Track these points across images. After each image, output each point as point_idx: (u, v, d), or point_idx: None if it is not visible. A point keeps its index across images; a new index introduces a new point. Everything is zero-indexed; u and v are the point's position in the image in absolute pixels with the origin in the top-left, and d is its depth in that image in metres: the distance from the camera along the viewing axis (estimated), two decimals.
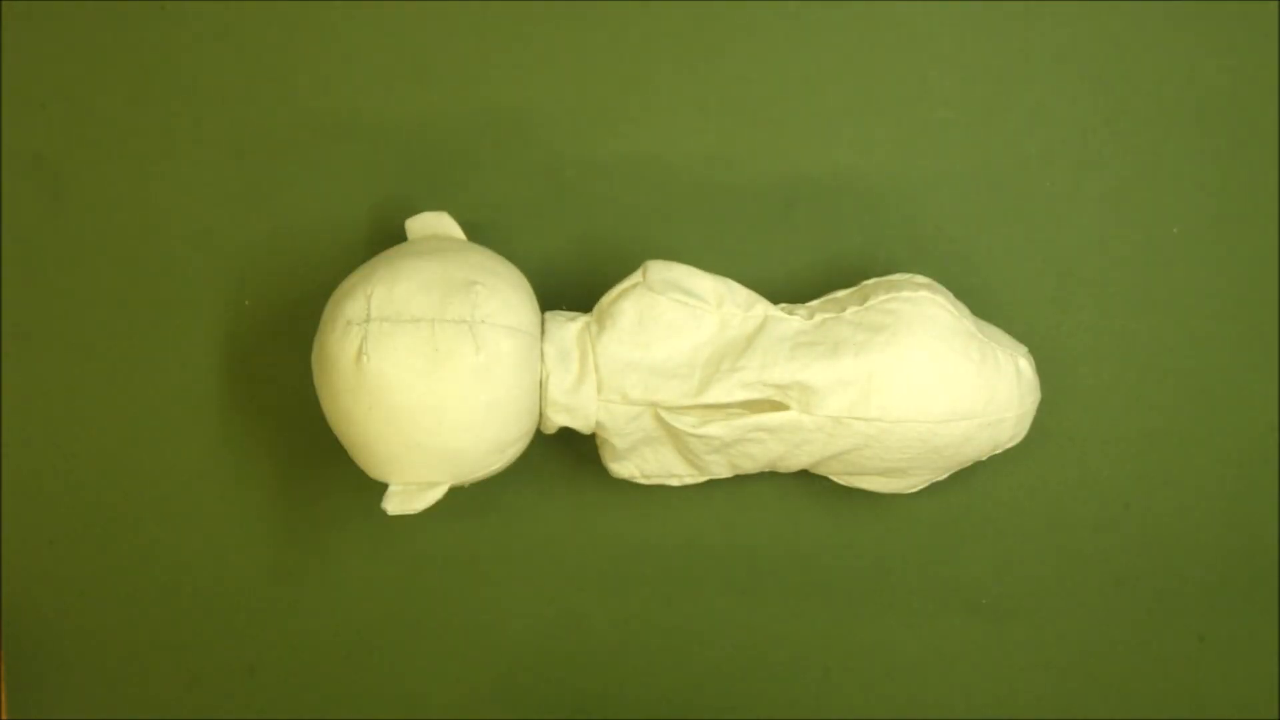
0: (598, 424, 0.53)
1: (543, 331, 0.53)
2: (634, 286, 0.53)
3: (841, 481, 0.56)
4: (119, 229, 0.60)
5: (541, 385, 0.52)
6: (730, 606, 0.60)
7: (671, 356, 0.52)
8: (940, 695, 0.60)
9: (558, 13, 0.58)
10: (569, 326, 0.53)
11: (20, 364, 0.60)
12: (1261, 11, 0.57)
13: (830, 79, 0.58)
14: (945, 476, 0.55)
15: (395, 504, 0.51)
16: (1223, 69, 0.58)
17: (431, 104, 0.59)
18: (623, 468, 0.55)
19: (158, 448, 0.60)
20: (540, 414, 0.53)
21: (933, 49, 0.58)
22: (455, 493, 0.52)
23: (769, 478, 0.58)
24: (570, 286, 0.58)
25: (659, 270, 0.53)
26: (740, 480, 0.57)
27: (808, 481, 0.58)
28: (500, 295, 0.51)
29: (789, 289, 0.58)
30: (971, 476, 0.58)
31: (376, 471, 0.52)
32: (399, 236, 0.56)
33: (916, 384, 0.51)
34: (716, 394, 0.52)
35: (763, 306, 0.53)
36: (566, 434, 0.56)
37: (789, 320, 0.53)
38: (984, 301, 0.57)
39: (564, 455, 0.59)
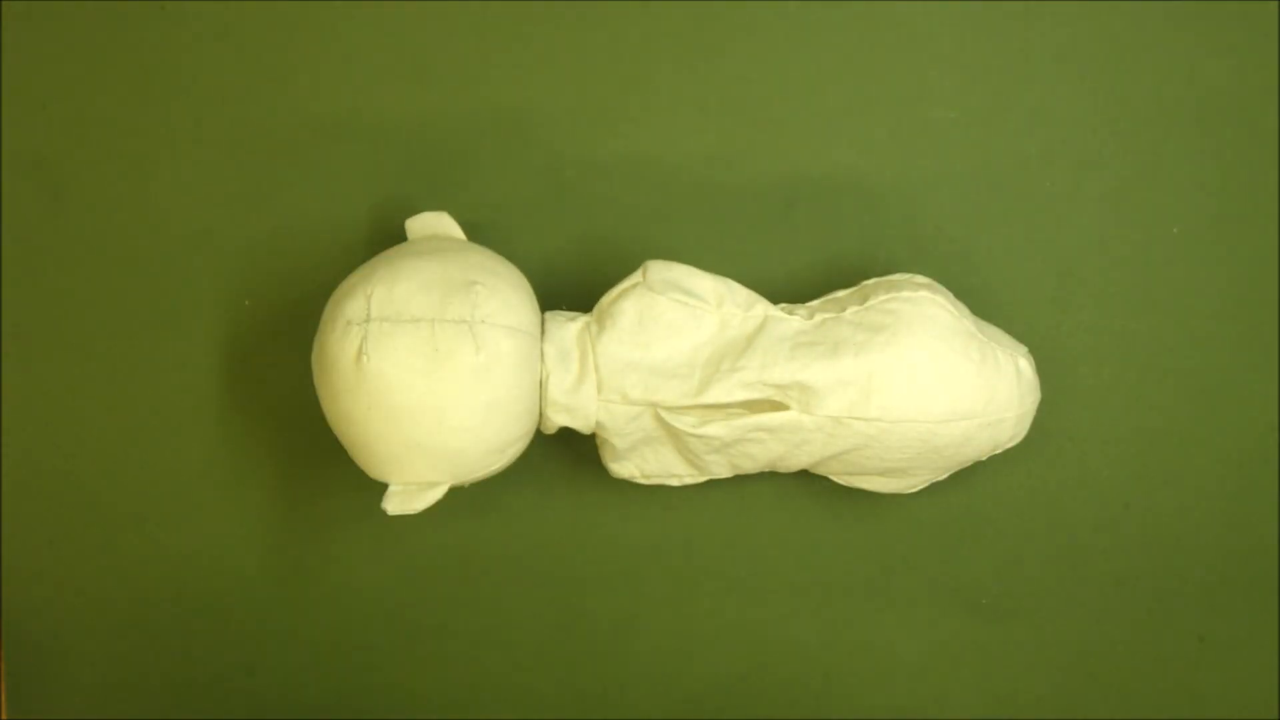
0: (598, 424, 0.53)
1: (543, 331, 0.53)
2: (634, 286, 0.53)
3: (841, 481, 0.56)
4: (119, 229, 0.60)
5: (541, 385, 0.52)
6: (730, 606, 0.60)
7: (671, 356, 0.52)
8: (940, 695, 0.60)
9: (558, 13, 0.58)
10: (569, 326, 0.53)
11: (20, 364, 0.60)
12: (1261, 11, 0.57)
13: (830, 79, 0.58)
14: (945, 476, 0.55)
15: (395, 504, 0.51)
16: (1223, 69, 0.58)
17: (431, 104, 0.59)
18: (623, 468, 0.55)
19: (158, 448, 0.60)
20: (540, 414, 0.53)
21: (933, 49, 0.58)
22: (455, 493, 0.52)
23: (769, 478, 0.58)
24: (570, 286, 0.58)
25: (659, 270, 0.53)
26: (740, 480, 0.57)
27: (808, 481, 0.58)
28: (500, 295, 0.51)
29: (789, 289, 0.58)
30: (971, 476, 0.58)
31: (376, 471, 0.52)
32: (399, 236, 0.56)
33: (916, 384, 0.51)
34: (716, 394, 0.52)
35: (763, 306, 0.53)
36: (566, 434, 0.56)
37: (789, 320, 0.53)
38: (984, 301, 0.57)
39: (564, 455, 0.59)
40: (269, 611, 0.61)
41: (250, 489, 0.60)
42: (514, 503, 0.60)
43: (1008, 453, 0.55)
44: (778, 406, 0.52)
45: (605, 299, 0.53)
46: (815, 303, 0.55)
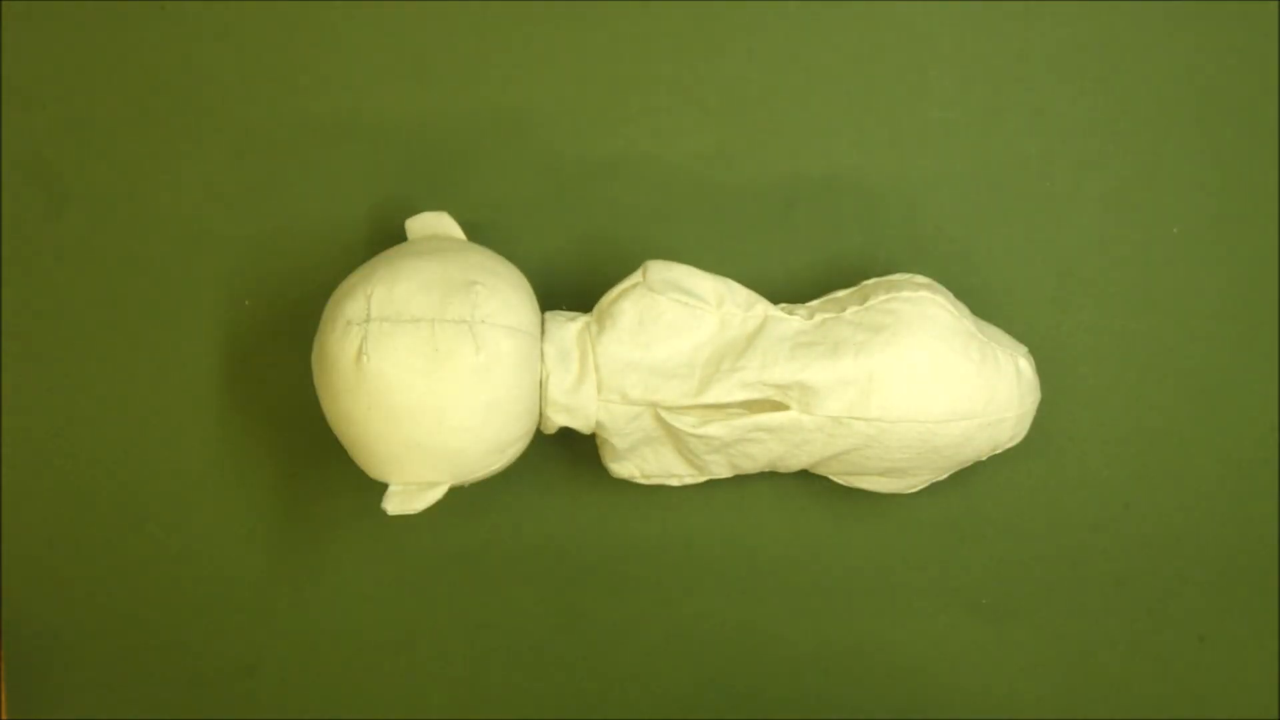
0: (598, 424, 0.53)
1: (543, 331, 0.53)
2: (634, 286, 0.53)
3: (841, 481, 0.56)
4: (119, 229, 0.60)
5: (541, 385, 0.52)
6: (730, 606, 0.60)
7: (671, 356, 0.52)
8: (940, 695, 0.60)
9: (558, 13, 0.58)
10: (569, 326, 0.53)
11: (20, 364, 0.60)
12: (1261, 11, 0.57)
13: (830, 79, 0.58)
14: (945, 476, 0.55)
15: (395, 504, 0.51)
16: (1223, 69, 0.58)
17: (431, 104, 0.59)
18: (623, 468, 0.55)
19: (158, 448, 0.60)
20: (540, 414, 0.53)
21: (933, 49, 0.58)
22: (455, 493, 0.52)
23: (769, 478, 0.58)
24: (570, 286, 0.58)
25: (659, 270, 0.53)
26: (740, 480, 0.57)
27: (808, 481, 0.58)
28: (500, 295, 0.51)
29: (789, 289, 0.58)
30: (971, 476, 0.58)
31: (376, 471, 0.52)
32: (399, 236, 0.56)
33: (916, 384, 0.51)
34: (716, 394, 0.52)
35: (763, 306, 0.53)
36: (566, 434, 0.56)
37: (789, 320, 0.53)
38: (984, 301, 0.57)
39: (564, 455, 0.59)
40: (269, 611, 0.61)
41: (250, 489, 0.60)
42: (514, 503, 0.60)
43: (1008, 453, 0.55)
44: (778, 406, 0.52)
45: (605, 299, 0.53)
46: (815, 303, 0.55)
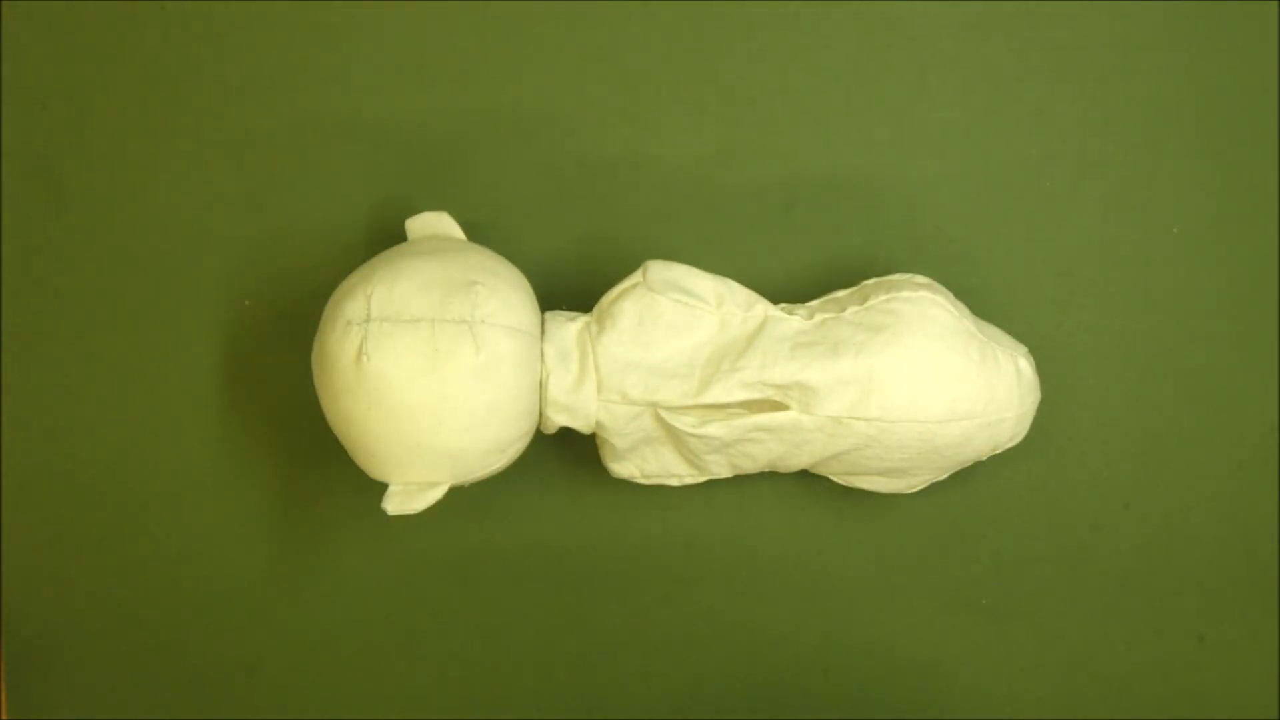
0: (598, 424, 0.53)
1: (543, 331, 0.53)
2: (634, 286, 0.53)
3: (841, 481, 0.56)
4: (119, 229, 0.60)
5: (541, 385, 0.52)
6: (730, 606, 0.60)
7: (672, 356, 0.52)
8: (940, 695, 0.60)
9: (558, 13, 0.58)
10: (569, 326, 0.53)
11: (20, 364, 0.60)
12: (1261, 11, 0.57)
13: (830, 79, 0.58)
14: (945, 476, 0.55)
15: (395, 504, 0.51)
16: (1223, 69, 0.58)
17: (431, 104, 0.59)
18: (623, 468, 0.55)
19: (158, 448, 0.60)
20: (540, 414, 0.53)
21: (933, 49, 0.58)
22: (455, 493, 0.52)
23: (769, 478, 0.58)
24: (570, 286, 0.58)
25: (659, 270, 0.53)
26: (740, 480, 0.57)
27: (808, 481, 0.58)
28: (500, 295, 0.51)
29: (789, 289, 0.58)
30: (971, 476, 0.58)
31: (376, 471, 0.52)
32: (399, 236, 0.56)
33: (916, 384, 0.51)
34: (716, 394, 0.52)
35: (763, 306, 0.53)
36: (566, 434, 0.56)
37: (789, 320, 0.53)
38: (984, 301, 0.57)
39: (564, 455, 0.59)
40: (269, 611, 0.61)
41: (250, 489, 0.60)
42: (514, 503, 0.60)
43: (1008, 452, 0.55)
44: (778, 406, 0.52)
45: (605, 299, 0.53)
46: (815, 303, 0.55)
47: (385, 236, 0.58)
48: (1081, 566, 0.59)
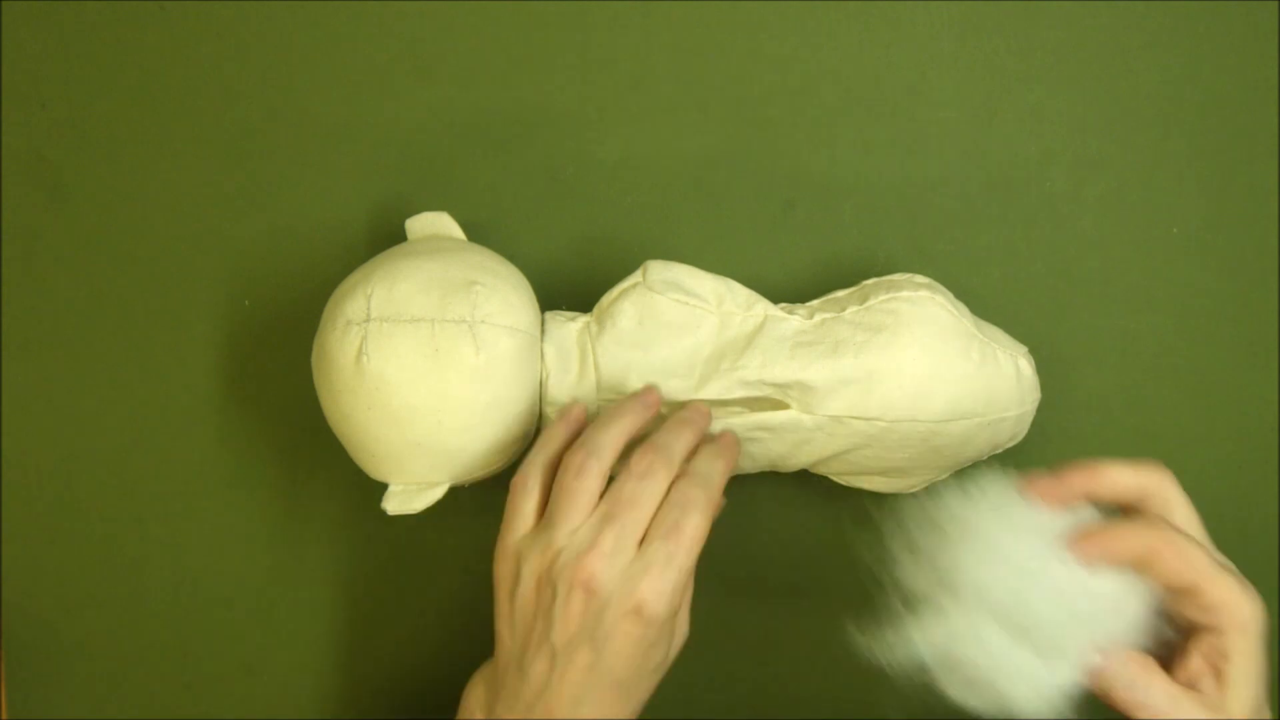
0: None
1: (543, 331, 0.53)
2: (634, 286, 0.53)
3: (841, 481, 0.56)
4: (119, 229, 0.60)
5: (541, 385, 0.52)
6: (730, 606, 0.60)
7: (671, 356, 0.52)
8: (940, 695, 0.60)
9: (557, 13, 0.58)
10: (569, 326, 0.53)
11: (20, 364, 0.60)
12: (1261, 11, 0.57)
13: (830, 79, 0.58)
14: (945, 476, 0.55)
15: (395, 504, 0.51)
16: (1223, 69, 0.58)
17: (431, 104, 0.59)
18: None
19: (158, 448, 0.60)
20: (540, 414, 0.53)
21: (933, 49, 0.58)
22: (455, 492, 0.52)
23: (769, 478, 0.58)
24: (570, 286, 0.58)
25: (659, 270, 0.53)
26: (740, 480, 0.57)
27: (808, 481, 0.58)
28: (500, 295, 0.51)
29: (789, 289, 0.58)
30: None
31: (376, 471, 0.52)
32: (399, 236, 0.56)
33: (917, 384, 0.51)
34: (716, 391, 0.52)
35: (763, 306, 0.53)
36: None
37: (789, 320, 0.53)
38: (984, 301, 0.57)
39: None
40: (269, 611, 0.61)
41: (250, 489, 0.60)
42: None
43: (1008, 452, 0.55)
44: (778, 405, 0.52)
45: (605, 299, 0.53)
46: (815, 302, 0.55)
47: (385, 236, 0.58)
48: None
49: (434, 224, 0.56)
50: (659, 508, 0.47)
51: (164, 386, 0.60)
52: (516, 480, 0.49)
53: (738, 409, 0.52)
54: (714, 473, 0.49)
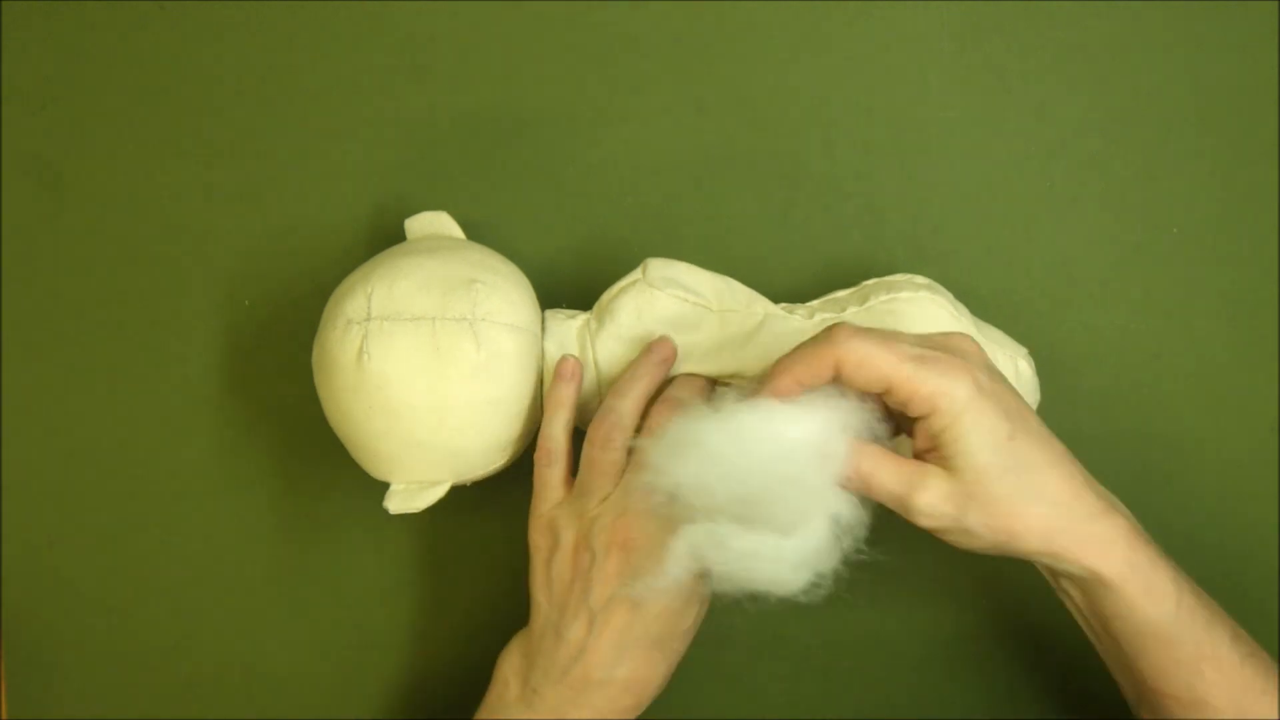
0: None
1: (543, 329, 0.53)
2: (634, 283, 0.53)
3: None
4: (119, 229, 0.60)
5: (542, 382, 0.52)
6: (729, 606, 0.60)
7: None
8: (940, 695, 0.60)
9: (557, 13, 0.58)
10: (569, 324, 0.53)
11: (20, 364, 0.60)
12: (1261, 11, 0.57)
13: (830, 79, 0.58)
14: None
15: (397, 503, 0.51)
16: (1223, 69, 0.58)
17: (430, 103, 0.59)
18: None
19: (158, 448, 0.60)
20: (542, 411, 0.53)
21: (933, 49, 0.58)
22: (456, 491, 0.52)
23: None
24: (570, 286, 0.58)
25: (659, 267, 0.53)
26: None
27: None
28: (501, 293, 0.51)
29: (789, 289, 0.58)
30: None
31: (378, 471, 0.52)
32: (399, 236, 0.56)
33: None
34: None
35: (762, 305, 0.53)
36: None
37: (789, 319, 0.53)
38: (984, 301, 0.57)
39: None
40: (269, 611, 0.61)
41: (250, 489, 0.60)
42: (515, 502, 0.60)
43: None
44: None
45: (605, 296, 0.53)
46: (815, 302, 0.55)
47: (385, 236, 0.58)
48: None
49: (433, 223, 0.56)
50: None
51: (163, 386, 0.60)
52: (540, 453, 0.51)
53: None
54: None
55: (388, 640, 0.61)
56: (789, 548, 0.45)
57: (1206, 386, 0.58)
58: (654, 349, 0.51)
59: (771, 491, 0.44)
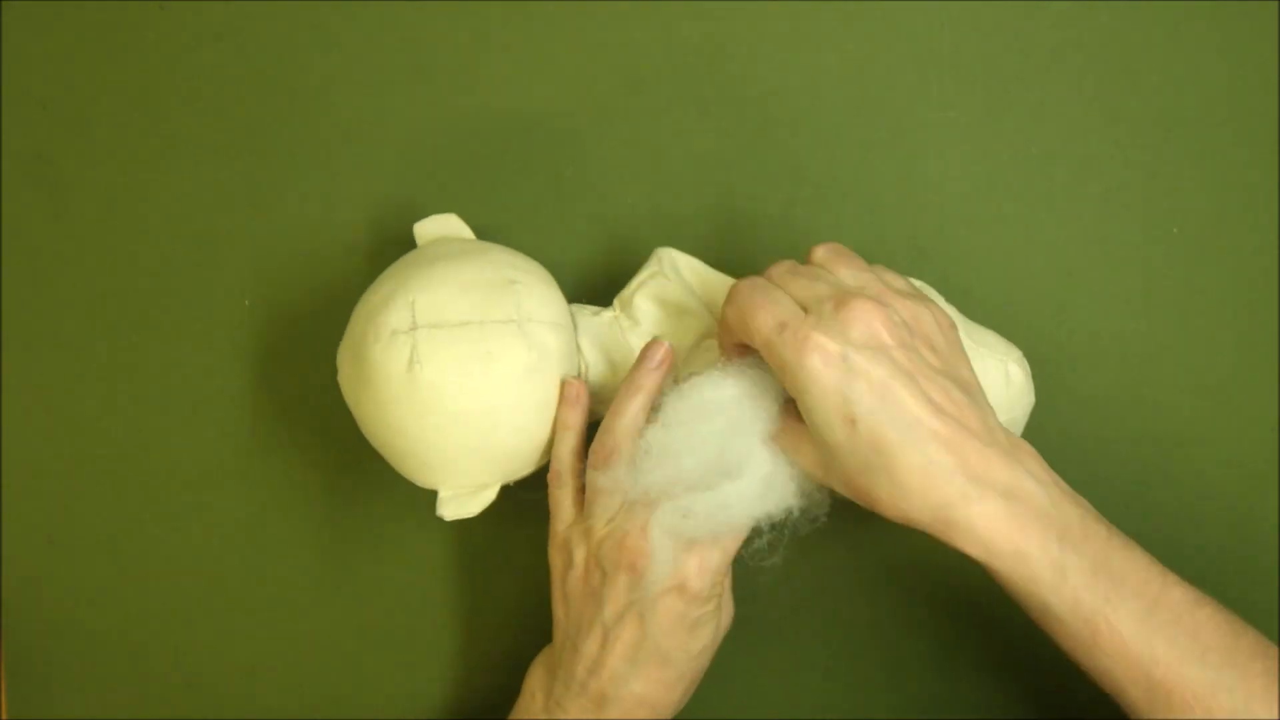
0: None
1: (575, 325, 0.53)
2: (652, 276, 0.54)
3: None
4: (119, 229, 0.60)
5: (582, 378, 0.52)
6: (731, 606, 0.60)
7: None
8: (940, 695, 0.60)
9: (558, 13, 0.58)
10: (595, 319, 0.54)
11: (20, 364, 0.60)
12: (1261, 11, 0.57)
13: (830, 79, 0.58)
14: None
15: (452, 509, 0.50)
16: (1223, 69, 0.58)
17: (433, 105, 0.59)
18: None
19: (158, 447, 0.60)
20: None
21: (933, 49, 0.58)
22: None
23: None
24: (571, 286, 0.58)
25: (671, 257, 0.54)
26: None
27: None
28: (538, 292, 0.51)
29: None
30: None
31: (426, 479, 0.51)
32: (400, 237, 0.56)
33: None
34: None
35: None
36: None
37: None
38: (984, 302, 0.57)
39: None
40: (269, 611, 0.61)
41: (251, 489, 0.60)
42: (516, 502, 0.60)
43: None
44: None
45: (626, 291, 0.54)
46: None
47: (386, 236, 0.58)
48: None
49: (444, 226, 0.55)
50: None
51: (164, 386, 0.60)
52: (551, 475, 0.52)
53: None
54: None
55: (389, 640, 0.61)
56: (744, 485, 0.48)
57: (1206, 386, 0.58)
58: (648, 354, 0.51)
59: (716, 442, 0.48)
